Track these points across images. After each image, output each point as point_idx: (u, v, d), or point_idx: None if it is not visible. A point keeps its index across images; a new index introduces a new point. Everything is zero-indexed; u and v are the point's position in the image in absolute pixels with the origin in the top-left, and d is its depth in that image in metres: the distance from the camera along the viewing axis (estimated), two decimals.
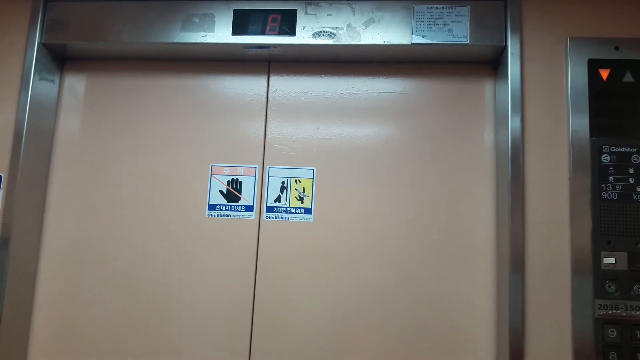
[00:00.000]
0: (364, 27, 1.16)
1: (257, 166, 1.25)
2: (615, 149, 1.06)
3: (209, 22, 1.19)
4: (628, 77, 1.08)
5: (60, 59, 1.32)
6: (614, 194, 1.05)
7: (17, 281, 1.18)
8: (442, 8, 1.15)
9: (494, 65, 1.23)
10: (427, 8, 1.15)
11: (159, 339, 1.20)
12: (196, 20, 1.20)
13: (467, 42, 1.14)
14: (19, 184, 1.18)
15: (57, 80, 1.31)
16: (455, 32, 1.14)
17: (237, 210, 1.23)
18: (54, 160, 1.29)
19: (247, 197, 1.24)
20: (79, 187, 1.28)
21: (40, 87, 1.24)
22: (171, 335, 1.20)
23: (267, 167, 1.25)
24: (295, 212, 1.22)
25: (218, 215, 1.23)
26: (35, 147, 1.23)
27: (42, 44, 1.23)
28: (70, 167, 1.29)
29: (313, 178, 1.23)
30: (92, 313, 1.23)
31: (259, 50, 1.21)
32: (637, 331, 1.01)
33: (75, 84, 1.32)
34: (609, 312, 1.02)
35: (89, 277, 1.24)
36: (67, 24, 1.23)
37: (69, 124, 1.30)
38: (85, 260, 1.25)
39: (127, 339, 1.21)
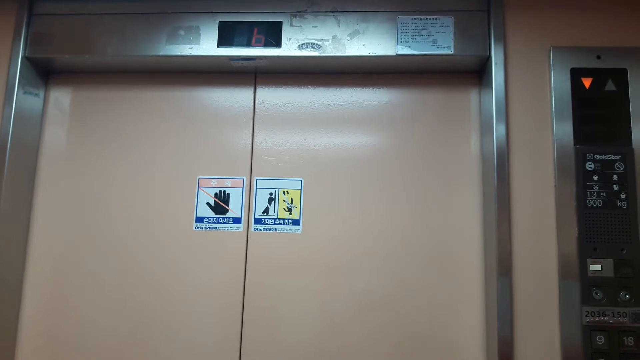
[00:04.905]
0: (349, 39, 1.17)
1: (244, 178, 1.24)
2: (599, 157, 1.07)
3: (194, 35, 1.19)
4: (610, 86, 1.09)
5: (45, 72, 1.31)
6: (599, 201, 1.06)
7: (2, 297, 1.17)
8: (426, 19, 1.16)
9: (478, 74, 1.24)
10: (412, 19, 1.16)
11: (148, 352, 1.19)
12: (182, 32, 1.20)
13: (452, 52, 1.14)
14: (2, 199, 1.16)
15: (41, 94, 1.30)
16: (439, 42, 1.15)
17: (224, 223, 1.22)
18: (39, 174, 1.28)
19: (234, 209, 1.23)
20: (64, 200, 1.26)
21: (24, 100, 1.23)
22: (160, 347, 1.19)
23: (255, 178, 1.24)
24: (284, 224, 1.22)
25: (206, 227, 1.23)
26: (19, 161, 1.22)
27: (26, 58, 1.22)
28: (55, 181, 1.28)
29: (301, 189, 1.23)
30: (80, 327, 1.21)
31: (245, 62, 1.21)
32: (625, 337, 1.02)
33: (61, 98, 1.31)
34: (597, 319, 1.02)
35: (76, 290, 1.23)
36: (52, 37, 1.22)
37: (54, 138, 1.29)
38: (72, 274, 1.23)
39: (116, 351, 1.20)
